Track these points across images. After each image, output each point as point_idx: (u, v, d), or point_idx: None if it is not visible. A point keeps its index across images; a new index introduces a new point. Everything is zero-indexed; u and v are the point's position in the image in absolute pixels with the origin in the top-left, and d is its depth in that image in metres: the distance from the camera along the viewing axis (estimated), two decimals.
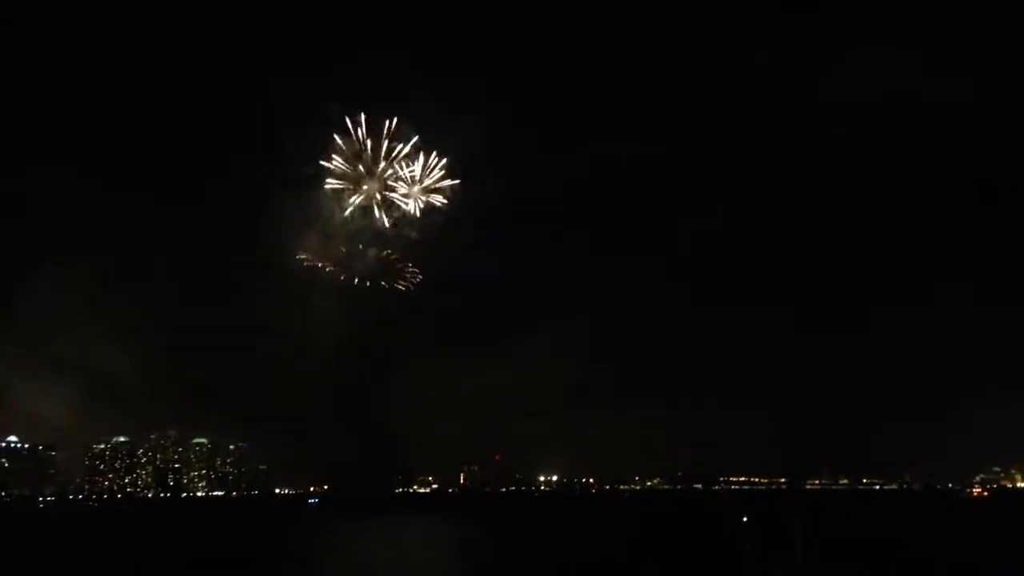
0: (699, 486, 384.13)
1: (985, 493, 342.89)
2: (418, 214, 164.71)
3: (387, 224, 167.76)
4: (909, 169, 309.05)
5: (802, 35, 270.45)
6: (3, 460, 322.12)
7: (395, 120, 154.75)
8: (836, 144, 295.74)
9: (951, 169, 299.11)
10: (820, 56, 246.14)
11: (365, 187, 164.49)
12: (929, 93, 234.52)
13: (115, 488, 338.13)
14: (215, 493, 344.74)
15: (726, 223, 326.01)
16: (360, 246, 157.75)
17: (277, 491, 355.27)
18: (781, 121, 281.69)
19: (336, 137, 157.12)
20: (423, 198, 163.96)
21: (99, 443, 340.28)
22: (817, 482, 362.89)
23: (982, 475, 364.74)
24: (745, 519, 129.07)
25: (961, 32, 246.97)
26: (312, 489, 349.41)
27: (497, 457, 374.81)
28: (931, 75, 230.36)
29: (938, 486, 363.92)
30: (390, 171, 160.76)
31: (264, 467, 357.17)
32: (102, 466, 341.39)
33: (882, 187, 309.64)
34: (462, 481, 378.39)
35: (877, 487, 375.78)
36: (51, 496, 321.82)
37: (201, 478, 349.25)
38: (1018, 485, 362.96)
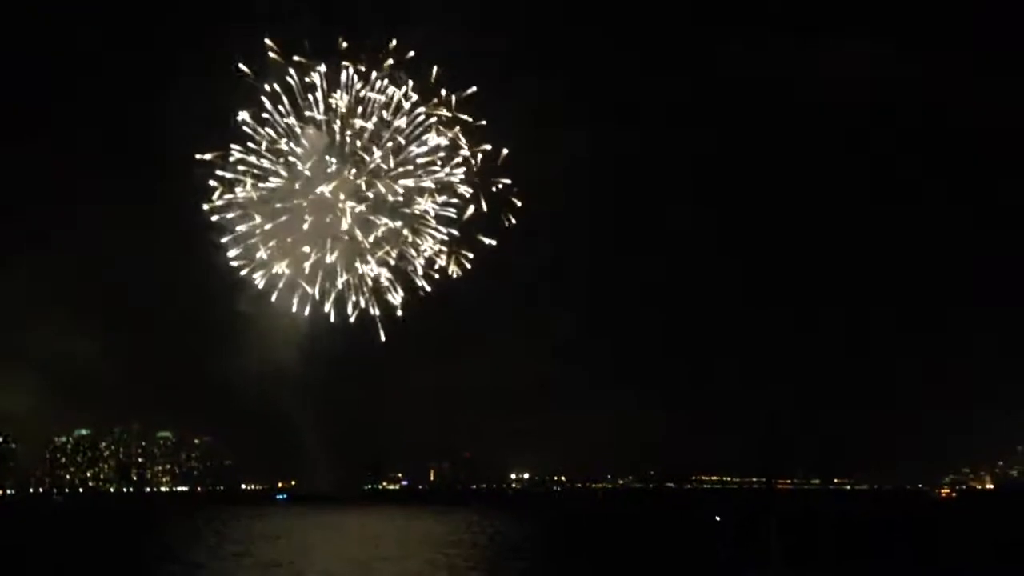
0: (671, 485, 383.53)
1: (953, 494, 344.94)
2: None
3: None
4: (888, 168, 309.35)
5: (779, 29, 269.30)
6: None
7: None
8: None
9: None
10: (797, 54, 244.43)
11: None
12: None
13: (77, 482, 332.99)
14: (180, 488, 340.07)
15: (701, 219, 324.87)
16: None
17: (244, 486, 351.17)
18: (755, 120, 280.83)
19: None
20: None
21: (60, 436, 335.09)
22: (789, 482, 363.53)
23: (952, 476, 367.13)
24: (718, 518, 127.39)
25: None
26: (280, 485, 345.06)
27: (467, 454, 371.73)
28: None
29: (908, 487, 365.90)
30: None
31: (230, 462, 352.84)
32: (63, 459, 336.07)
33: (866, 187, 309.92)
34: (432, 478, 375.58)
35: (848, 487, 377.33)
36: (10, 490, 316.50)
37: (165, 472, 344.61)
38: (987, 486, 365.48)
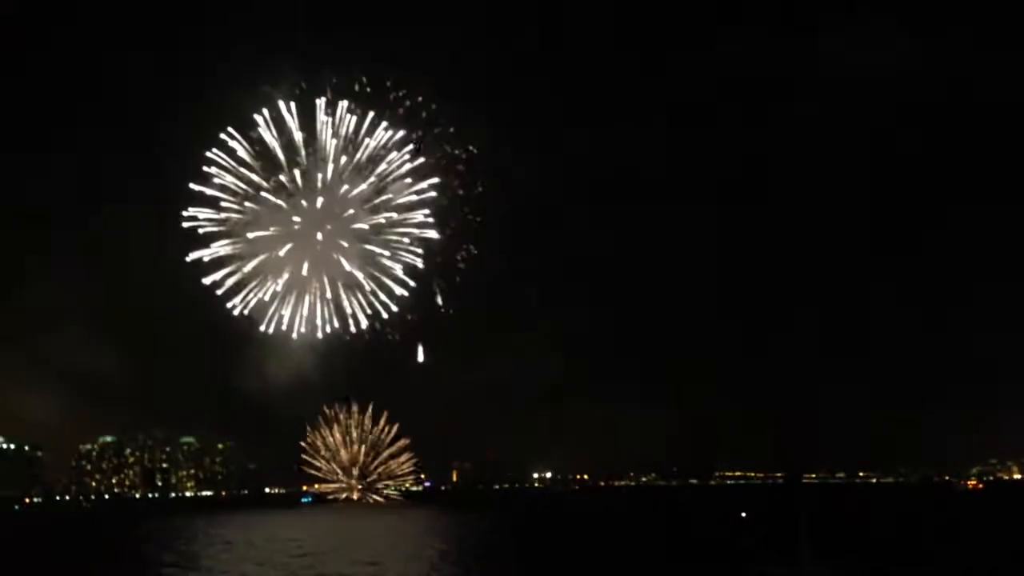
0: (695, 481, 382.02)
1: (980, 486, 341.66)
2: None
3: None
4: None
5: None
6: None
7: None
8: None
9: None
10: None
11: None
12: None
13: (102, 489, 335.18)
14: (204, 493, 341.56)
15: (719, 211, 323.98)
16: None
17: (267, 490, 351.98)
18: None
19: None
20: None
21: (86, 443, 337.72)
22: (814, 476, 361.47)
23: (979, 467, 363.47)
24: (744, 514, 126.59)
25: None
26: (304, 488, 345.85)
27: (489, 454, 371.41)
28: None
29: (935, 479, 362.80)
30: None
31: (254, 466, 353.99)
32: (89, 466, 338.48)
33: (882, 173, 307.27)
34: (454, 478, 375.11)
35: (874, 480, 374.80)
36: (37, 498, 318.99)
37: (189, 477, 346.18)
38: (1015, 477, 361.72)
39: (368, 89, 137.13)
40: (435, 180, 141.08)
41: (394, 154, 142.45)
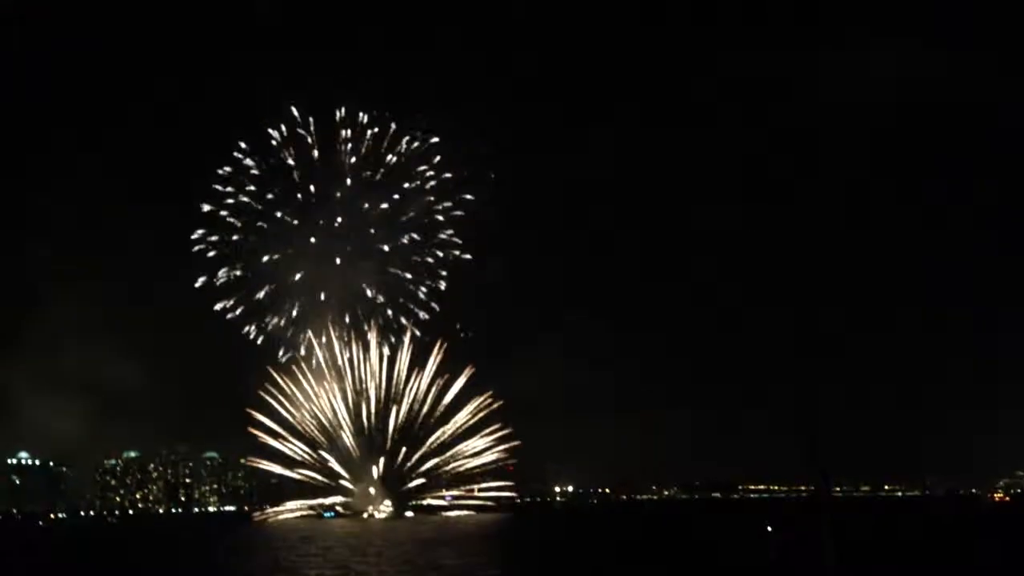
0: (717, 495, 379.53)
1: (1007, 498, 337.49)
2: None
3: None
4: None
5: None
6: (14, 477, 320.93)
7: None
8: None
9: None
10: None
11: None
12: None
13: (126, 504, 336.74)
14: (227, 508, 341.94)
15: (735, 223, 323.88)
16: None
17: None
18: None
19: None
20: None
21: (110, 459, 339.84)
22: (838, 489, 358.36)
23: (1005, 480, 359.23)
24: (769, 528, 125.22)
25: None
26: (328, 503, 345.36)
27: (509, 468, 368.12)
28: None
29: (960, 491, 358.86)
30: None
31: (276, 481, 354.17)
32: (113, 482, 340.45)
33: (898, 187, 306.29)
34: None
35: (899, 493, 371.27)
36: (62, 513, 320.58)
37: (212, 492, 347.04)
38: None
39: (387, 114, 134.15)
40: (460, 198, 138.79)
41: (417, 169, 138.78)
